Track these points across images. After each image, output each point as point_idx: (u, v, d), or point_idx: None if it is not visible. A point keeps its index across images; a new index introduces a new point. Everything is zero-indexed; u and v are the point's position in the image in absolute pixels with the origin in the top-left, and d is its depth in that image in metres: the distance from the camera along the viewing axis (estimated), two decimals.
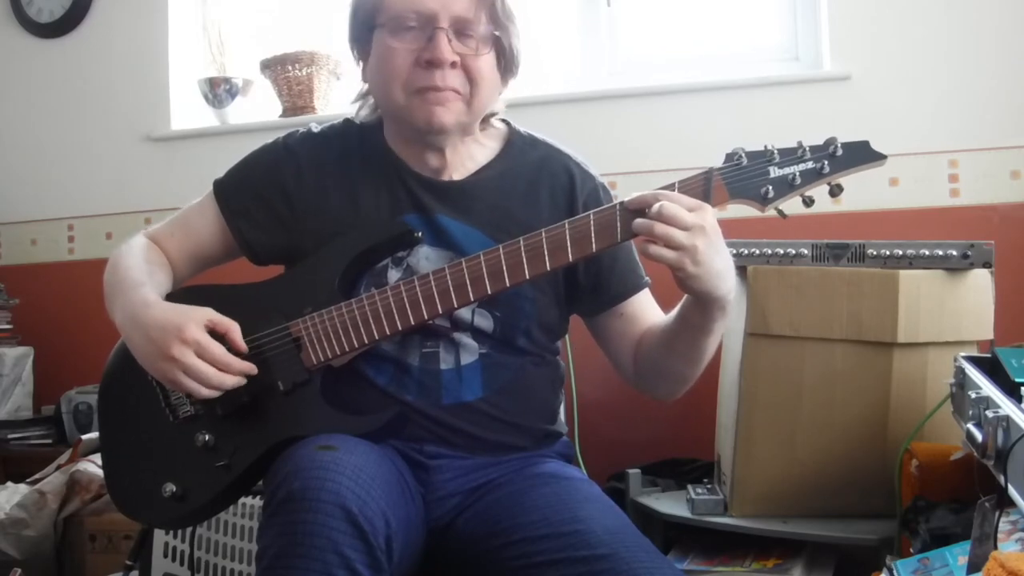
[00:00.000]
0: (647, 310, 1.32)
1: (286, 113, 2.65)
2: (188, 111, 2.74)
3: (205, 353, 1.13)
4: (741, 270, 1.65)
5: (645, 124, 2.34)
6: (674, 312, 1.21)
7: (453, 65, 1.20)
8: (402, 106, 1.22)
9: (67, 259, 2.79)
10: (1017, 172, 2.12)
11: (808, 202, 1.12)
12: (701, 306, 1.13)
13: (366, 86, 1.32)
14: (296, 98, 2.63)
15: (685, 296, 1.16)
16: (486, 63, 1.23)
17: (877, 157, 1.11)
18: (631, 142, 2.32)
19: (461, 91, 1.21)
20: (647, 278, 1.34)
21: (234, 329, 1.17)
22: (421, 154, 1.28)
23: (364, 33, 1.26)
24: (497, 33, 1.23)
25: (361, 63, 1.30)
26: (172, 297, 1.24)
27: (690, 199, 1.07)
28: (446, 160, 1.28)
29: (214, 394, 1.14)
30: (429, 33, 1.19)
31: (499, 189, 1.28)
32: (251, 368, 1.16)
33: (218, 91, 2.70)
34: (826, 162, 1.10)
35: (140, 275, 1.24)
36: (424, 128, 1.22)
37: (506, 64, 1.26)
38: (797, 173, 1.10)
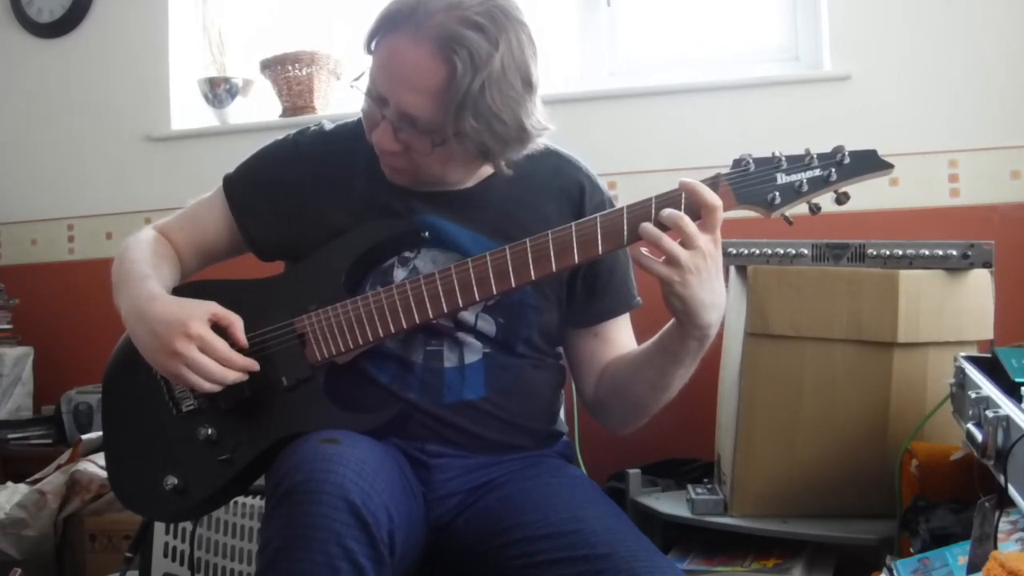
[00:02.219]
0: (622, 335, 1.33)
1: (286, 113, 2.65)
2: (188, 111, 2.73)
3: (208, 348, 1.13)
4: (741, 270, 1.65)
5: (645, 124, 2.33)
6: (652, 338, 1.22)
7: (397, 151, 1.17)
8: None
9: (67, 259, 2.78)
10: (1017, 172, 2.12)
11: (815, 209, 1.13)
12: (681, 332, 1.13)
13: None
14: (296, 98, 2.63)
15: (668, 323, 1.17)
16: (439, 156, 1.17)
17: (884, 166, 1.12)
18: (631, 142, 2.32)
19: (410, 169, 1.20)
20: (639, 298, 1.35)
21: (236, 324, 1.17)
22: None
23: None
24: (460, 132, 1.12)
25: None
26: (178, 292, 1.25)
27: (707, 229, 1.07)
28: None
29: (216, 388, 1.15)
30: (381, 112, 1.15)
31: (508, 195, 1.27)
32: (253, 364, 1.16)
33: (218, 91, 2.69)
34: (833, 170, 1.10)
35: (146, 268, 1.24)
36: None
37: (488, 149, 1.15)
38: (804, 180, 1.11)
